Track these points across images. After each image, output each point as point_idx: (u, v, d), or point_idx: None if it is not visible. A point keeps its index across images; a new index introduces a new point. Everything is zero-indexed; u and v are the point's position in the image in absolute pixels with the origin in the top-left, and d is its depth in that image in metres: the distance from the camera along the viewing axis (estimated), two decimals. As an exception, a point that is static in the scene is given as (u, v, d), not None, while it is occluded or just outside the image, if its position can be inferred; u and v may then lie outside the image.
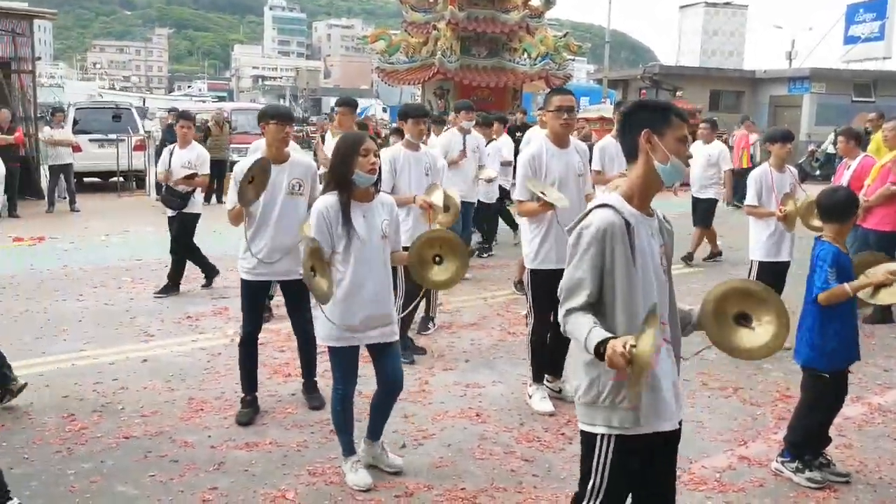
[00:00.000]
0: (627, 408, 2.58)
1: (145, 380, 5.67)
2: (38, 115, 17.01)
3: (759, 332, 2.84)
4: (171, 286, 8.27)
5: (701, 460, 4.52)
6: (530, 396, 5.34)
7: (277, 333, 6.73)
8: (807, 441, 4.31)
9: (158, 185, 8.24)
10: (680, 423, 2.80)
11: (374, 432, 4.30)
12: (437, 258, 4.22)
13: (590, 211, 2.71)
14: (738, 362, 6.19)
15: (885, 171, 7.42)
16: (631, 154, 2.74)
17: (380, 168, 4.01)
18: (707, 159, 10.31)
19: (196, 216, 8.34)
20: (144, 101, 53.08)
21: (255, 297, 5.06)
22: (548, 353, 5.35)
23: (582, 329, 2.56)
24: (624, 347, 2.36)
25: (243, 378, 5.08)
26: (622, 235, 2.61)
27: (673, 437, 2.79)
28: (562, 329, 2.69)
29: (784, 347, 3.00)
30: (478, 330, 7.17)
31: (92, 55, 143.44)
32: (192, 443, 4.62)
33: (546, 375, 5.43)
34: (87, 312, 7.51)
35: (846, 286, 4.11)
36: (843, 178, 7.83)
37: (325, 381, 5.49)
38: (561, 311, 2.69)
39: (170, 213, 8.29)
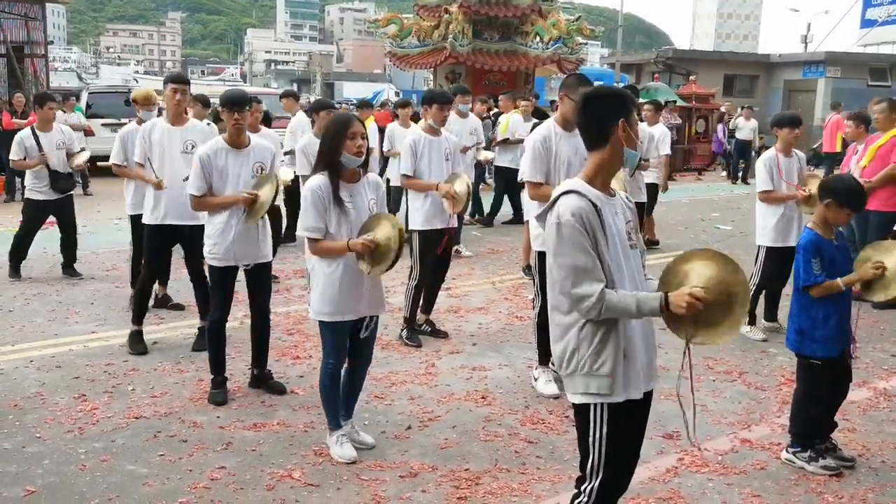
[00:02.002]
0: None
1: (155, 361, 5.74)
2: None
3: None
4: (74, 271, 8.32)
5: (704, 443, 4.54)
6: (536, 379, 5.38)
7: (286, 317, 6.80)
8: (812, 430, 4.28)
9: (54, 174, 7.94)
10: (650, 394, 2.94)
11: (349, 411, 4.44)
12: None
13: (556, 199, 2.79)
14: (744, 347, 6.24)
15: (884, 152, 7.31)
16: (598, 141, 2.82)
17: (368, 150, 4.13)
18: (650, 141, 9.79)
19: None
20: None
21: (224, 283, 5.07)
22: None
23: (628, 301, 2.67)
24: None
25: (212, 362, 5.11)
26: (594, 216, 2.73)
27: (644, 405, 2.92)
28: (594, 315, 2.69)
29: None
30: (485, 314, 7.21)
31: (105, 39, 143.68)
32: (200, 423, 4.69)
33: (552, 358, 5.46)
34: (99, 295, 7.59)
35: (839, 282, 4.07)
36: (850, 162, 7.78)
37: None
38: (583, 295, 2.68)
39: (51, 197, 8.13)
